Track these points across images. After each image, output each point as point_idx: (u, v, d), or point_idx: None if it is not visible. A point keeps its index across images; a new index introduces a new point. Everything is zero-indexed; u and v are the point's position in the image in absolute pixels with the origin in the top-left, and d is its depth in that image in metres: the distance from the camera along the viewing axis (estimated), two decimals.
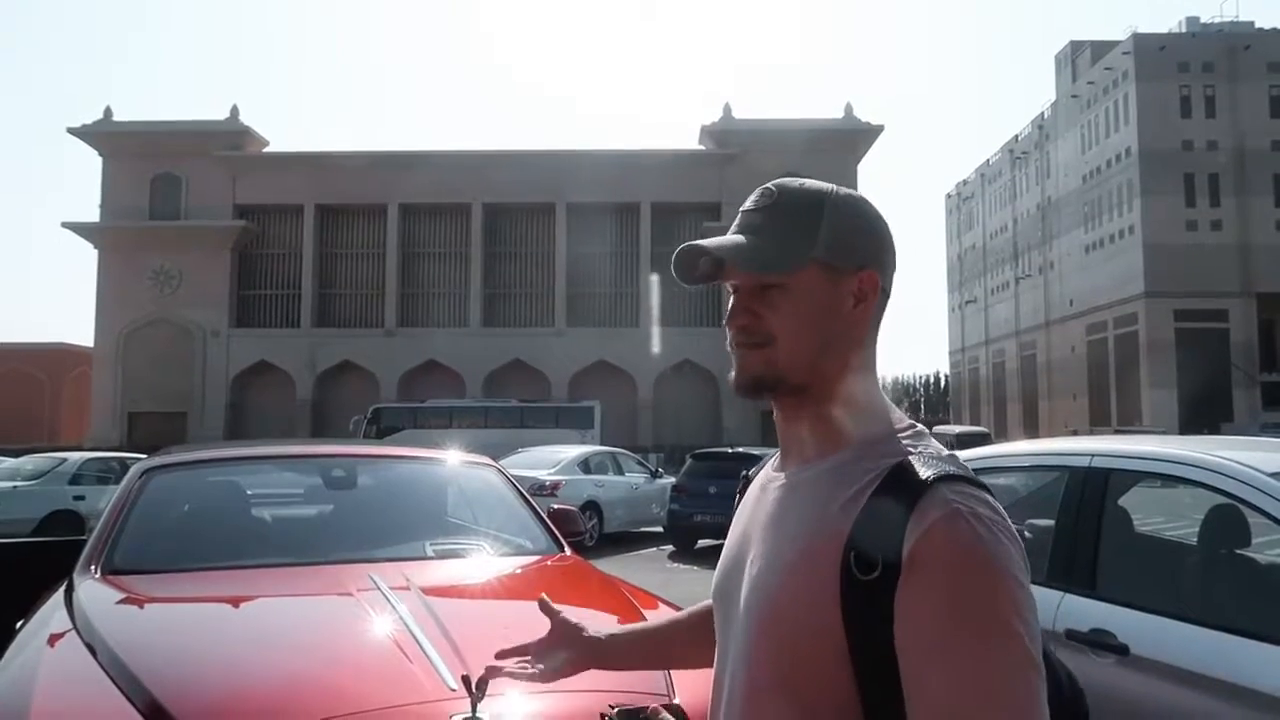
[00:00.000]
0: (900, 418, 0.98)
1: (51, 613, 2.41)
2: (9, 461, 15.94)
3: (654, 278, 45.57)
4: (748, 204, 1.01)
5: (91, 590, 2.51)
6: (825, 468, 0.94)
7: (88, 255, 61.66)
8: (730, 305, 1.00)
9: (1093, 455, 3.02)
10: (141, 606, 2.58)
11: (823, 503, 0.90)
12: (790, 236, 0.95)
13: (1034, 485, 3.63)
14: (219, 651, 2.12)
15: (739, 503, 1.12)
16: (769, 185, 1.00)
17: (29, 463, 15.33)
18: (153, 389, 45.57)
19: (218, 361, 46.29)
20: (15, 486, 14.09)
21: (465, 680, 1.66)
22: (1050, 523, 3.04)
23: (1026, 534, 3.06)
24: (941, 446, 0.94)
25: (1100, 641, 2.58)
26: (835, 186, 1.00)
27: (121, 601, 2.54)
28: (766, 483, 1.03)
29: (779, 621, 0.89)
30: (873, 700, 0.84)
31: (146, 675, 1.86)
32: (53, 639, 2.17)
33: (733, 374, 0.99)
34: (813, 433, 0.97)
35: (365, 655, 2.05)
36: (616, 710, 1.03)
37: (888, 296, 1.00)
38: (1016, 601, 0.80)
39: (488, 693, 1.64)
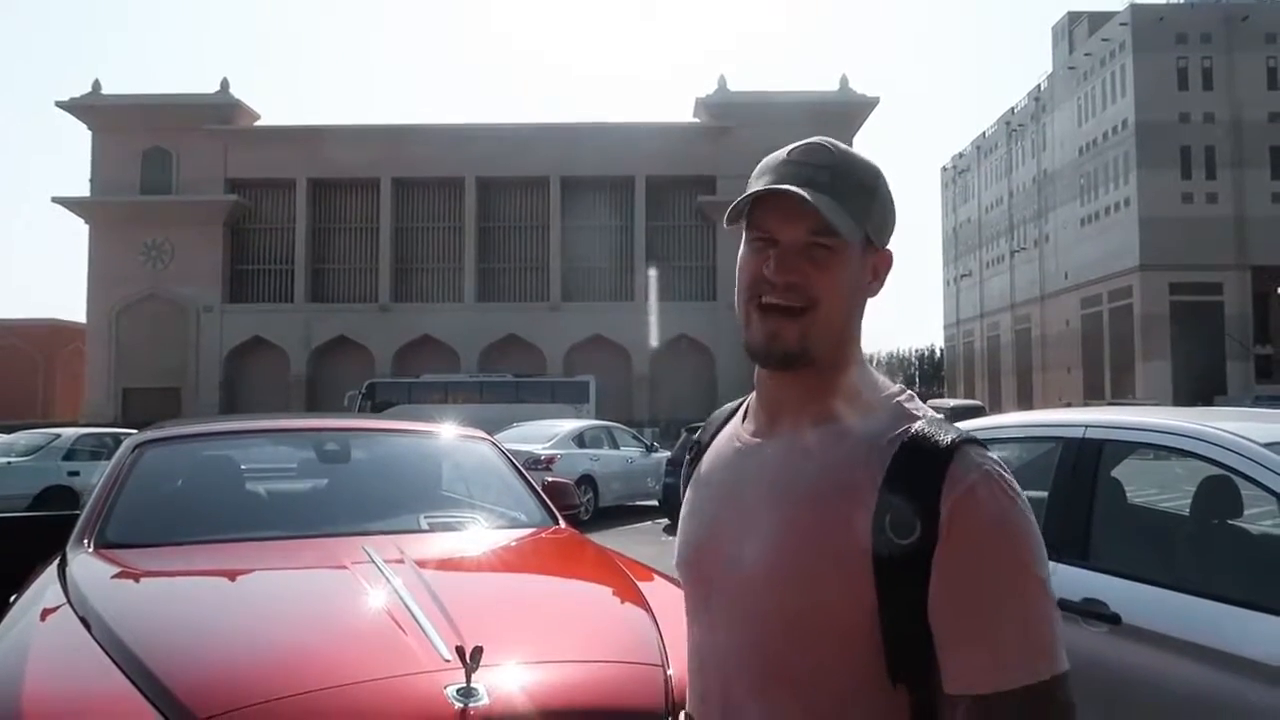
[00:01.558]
0: (888, 383, 0.99)
1: (45, 587, 2.40)
2: (3, 437, 15.89)
3: (649, 252, 45.43)
4: (801, 155, 0.96)
5: (85, 564, 2.51)
6: (825, 431, 0.94)
7: (79, 230, 61.19)
8: (775, 256, 0.93)
9: (1087, 426, 3.02)
10: (135, 580, 2.57)
11: (835, 467, 0.90)
12: (853, 202, 0.94)
13: (1028, 456, 3.64)
14: (213, 624, 2.12)
15: (688, 465, 1.14)
16: (822, 143, 0.97)
17: (23, 439, 15.30)
18: (147, 364, 45.48)
19: (211, 337, 46.16)
20: (9, 462, 14.07)
21: (459, 651, 1.66)
22: (1043, 493, 3.05)
23: None
24: (930, 409, 0.95)
25: (1093, 611, 2.59)
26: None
27: (115, 575, 2.53)
28: (744, 446, 1.01)
29: (800, 586, 0.88)
30: (894, 658, 0.86)
31: (141, 648, 1.86)
32: (46, 613, 2.17)
33: (761, 340, 0.94)
34: (812, 397, 0.96)
35: (360, 627, 2.05)
36: None
37: None
38: (1042, 555, 0.86)
39: (481, 663, 1.65)
